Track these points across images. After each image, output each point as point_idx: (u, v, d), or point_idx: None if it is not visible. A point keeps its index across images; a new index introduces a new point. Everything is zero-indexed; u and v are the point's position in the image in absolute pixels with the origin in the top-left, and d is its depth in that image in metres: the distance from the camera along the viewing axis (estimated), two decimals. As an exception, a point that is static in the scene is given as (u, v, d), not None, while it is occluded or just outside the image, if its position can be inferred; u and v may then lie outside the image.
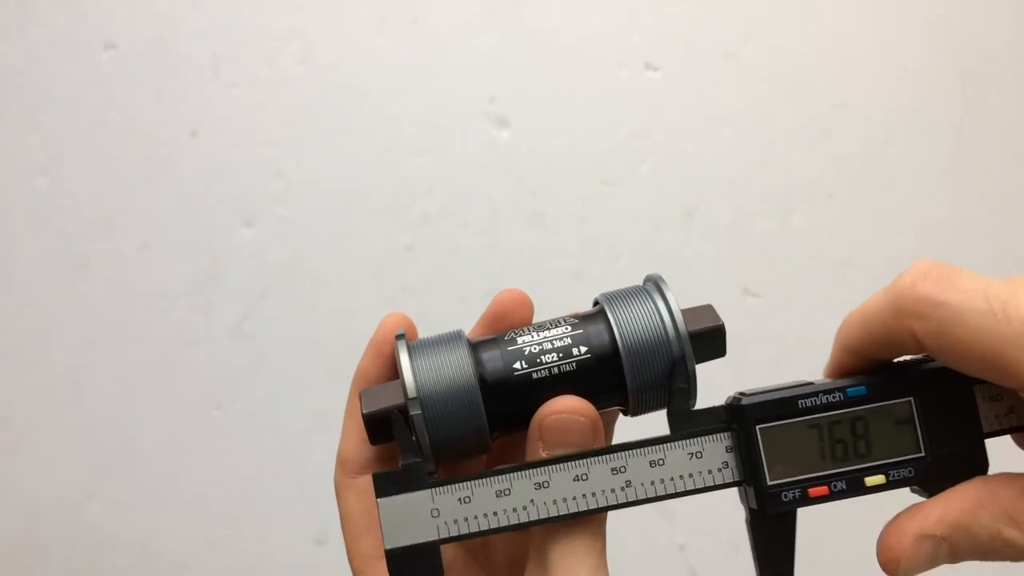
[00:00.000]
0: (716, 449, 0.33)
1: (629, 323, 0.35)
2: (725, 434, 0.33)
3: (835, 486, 0.33)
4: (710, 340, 0.35)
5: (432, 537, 0.33)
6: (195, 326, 0.88)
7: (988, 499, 0.30)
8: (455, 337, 0.36)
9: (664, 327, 0.34)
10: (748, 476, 0.33)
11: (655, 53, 0.93)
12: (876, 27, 0.95)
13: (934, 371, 0.33)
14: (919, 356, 0.34)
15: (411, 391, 0.34)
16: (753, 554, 0.34)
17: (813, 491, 0.32)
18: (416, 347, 0.35)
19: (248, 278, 0.89)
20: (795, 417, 0.33)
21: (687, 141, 0.92)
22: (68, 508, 0.86)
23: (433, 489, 0.33)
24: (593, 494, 0.33)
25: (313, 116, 0.91)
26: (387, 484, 0.33)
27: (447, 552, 0.38)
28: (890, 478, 0.33)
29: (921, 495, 0.34)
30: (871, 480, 0.33)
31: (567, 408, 0.33)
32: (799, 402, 0.33)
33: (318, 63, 0.92)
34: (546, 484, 0.33)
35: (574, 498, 0.33)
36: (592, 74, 0.92)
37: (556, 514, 0.33)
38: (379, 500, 0.33)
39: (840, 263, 0.92)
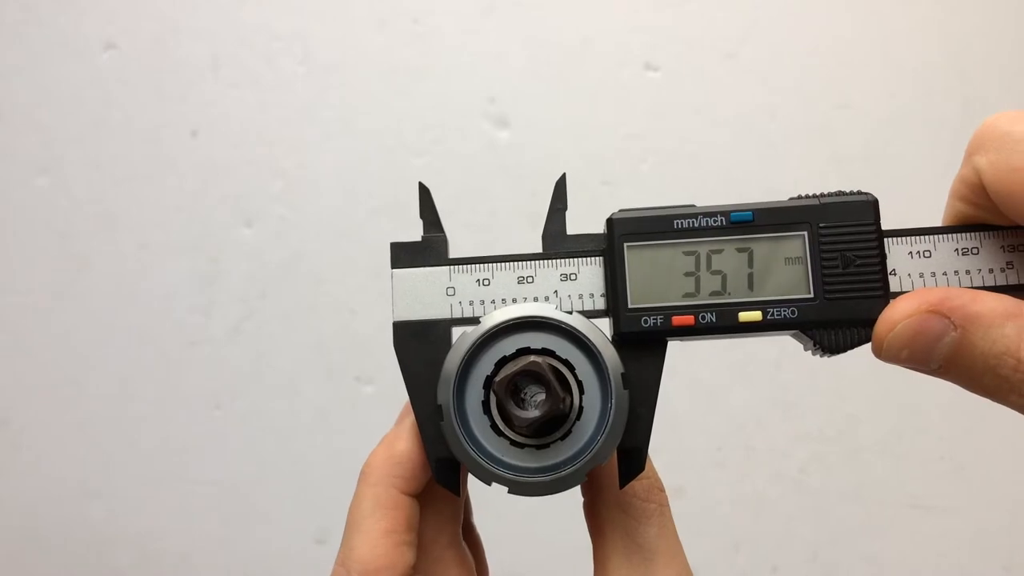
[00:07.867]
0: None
1: None
2: (600, 259, 0.30)
3: (703, 318, 0.29)
4: None
5: (444, 316, 0.30)
6: (195, 326, 0.88)
7: (1021, 314, 0.26)
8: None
9: None
10: (610, 298, 0.29)
11: (655, 53, 0.93)
12: (876, 27, 0.95)
13: (834, 204, 0.29)
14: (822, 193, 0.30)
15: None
16: None
17: (678, 320, 0.29)
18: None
19: (248, 278, 0.89)
20: (670, 239, 0.29)
21: (687, 141, 0.92)
22: (68, 508, 0.86)
23: (452, 267, 0.30)
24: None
25: (313, 116, 0.91)
26: (404, 255, 0.31)
27: (444, 551, 0.36)
28: (767, 316, 0.29)
29: (807, 347, 0.30)
30: (745, 316, 0.29)
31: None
32: (675, 222, 0.29)
33: (318, 63, 0.91)
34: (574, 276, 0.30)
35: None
36: (592, 74, 0.92)
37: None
38: (393, 271, 0.31)
39: (840, 263, 0.92)
